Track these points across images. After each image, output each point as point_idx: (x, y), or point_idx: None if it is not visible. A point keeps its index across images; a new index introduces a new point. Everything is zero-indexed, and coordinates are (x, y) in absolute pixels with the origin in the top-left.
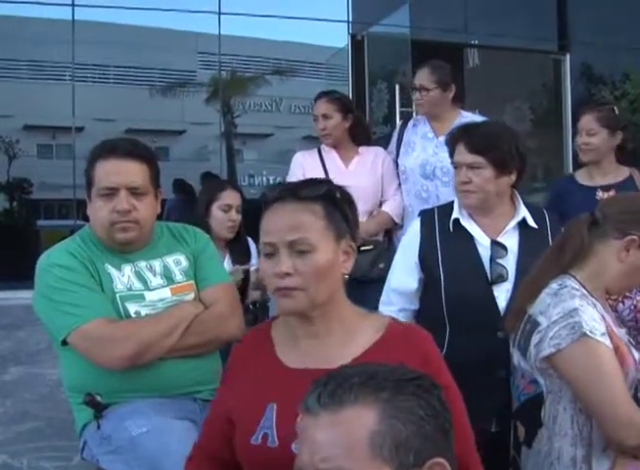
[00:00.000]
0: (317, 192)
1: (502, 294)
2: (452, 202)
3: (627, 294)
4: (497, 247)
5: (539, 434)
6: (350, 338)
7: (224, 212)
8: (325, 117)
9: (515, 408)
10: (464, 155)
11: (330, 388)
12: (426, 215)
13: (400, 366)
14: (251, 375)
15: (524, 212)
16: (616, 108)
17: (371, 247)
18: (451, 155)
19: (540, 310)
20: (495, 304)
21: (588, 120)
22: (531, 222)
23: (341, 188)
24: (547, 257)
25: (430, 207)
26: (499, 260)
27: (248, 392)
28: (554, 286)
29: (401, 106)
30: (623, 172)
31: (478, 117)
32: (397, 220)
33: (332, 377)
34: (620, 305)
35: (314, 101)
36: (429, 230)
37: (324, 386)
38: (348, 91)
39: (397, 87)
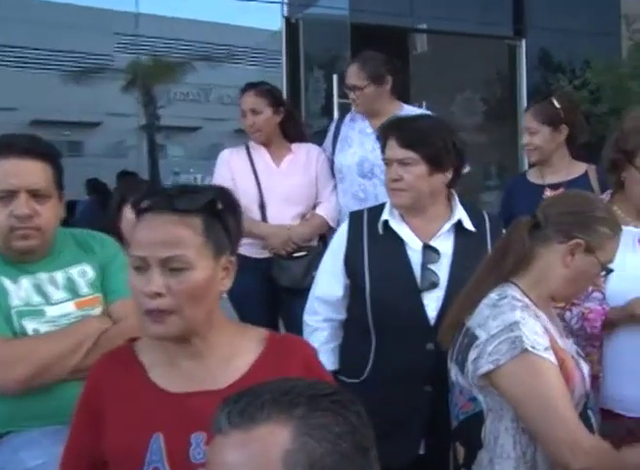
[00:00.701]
0: (196, 204)
1: (432, 302)
2: (385, 203)
3: (575, 301)
4: (429, 251)
5: (479, 456)
6: (233, 355)
7: None
8: (254, 111)
9: (453, 428)
10: (395, 150)
11: (240, 405)
12: (354, 217)
13: (317, 381)
14: (124, 406)
15: (460, 214)
16: (555, 100)
17: (304, 253)
18: (383, 150)
19: (479, 323)
20: (425, 313)
21: (527, 119)
22: (468, 225)
23: (225, 195)
24: (486, 263)
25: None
26: (431, 266)
27: (124, 425)
28: (493, 296)
29: (340, 97)
30: (578, 169)
31: (420, 111)
32: (333, 224)
33: (243, 394)
34: (568, 313)
35: (241, 93)
36: (356, 233)
37: (234, 403)
38: (282, 79)
39: (335, 76)
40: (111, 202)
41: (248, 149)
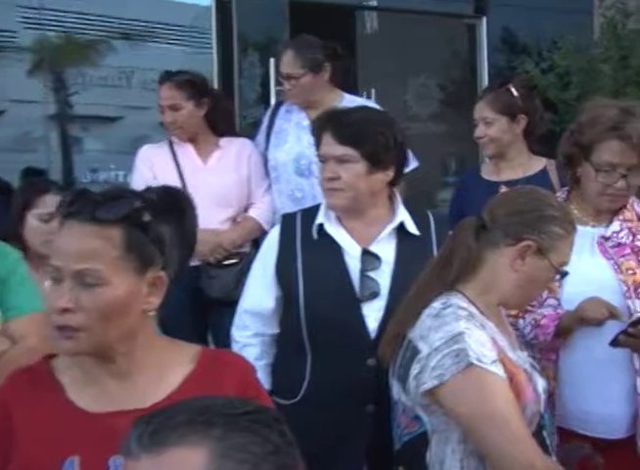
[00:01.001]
0: (115, 214)
1: (373, 313)
2: (320, 204)
3: (529, 308)
4: (369, 257)
5: None
6: (162, 372)
7: (44, 223)
8: (173, 107)
9: (396, 450)
10: (331, 146)
11: (152, 427)
12: (287, 220)
13: (237, 399)
14: (37, 428)
15: (402, 216)
16: (513, 88)
17: (235, 260)
18: (317, 146)
19: (421, 335)
20: (365, 325)
21: (481, 108)
22: (412, 228)
23: (169, 198)
24: (430, 269)
25: None
26: (370, 273)
27: (36, 448)
28: (436, 305)
29: (277, 83)
30: (537, 164)
31: (362, 101)
32: (267, 227)
33: (155, 415)
34: (521, 321)
35: (158, 85)
36: (288, 238)
37: (146, 425)
38: (213, 63)
39: (272, 60)
40: (13, 206)
41: (171, 144)
